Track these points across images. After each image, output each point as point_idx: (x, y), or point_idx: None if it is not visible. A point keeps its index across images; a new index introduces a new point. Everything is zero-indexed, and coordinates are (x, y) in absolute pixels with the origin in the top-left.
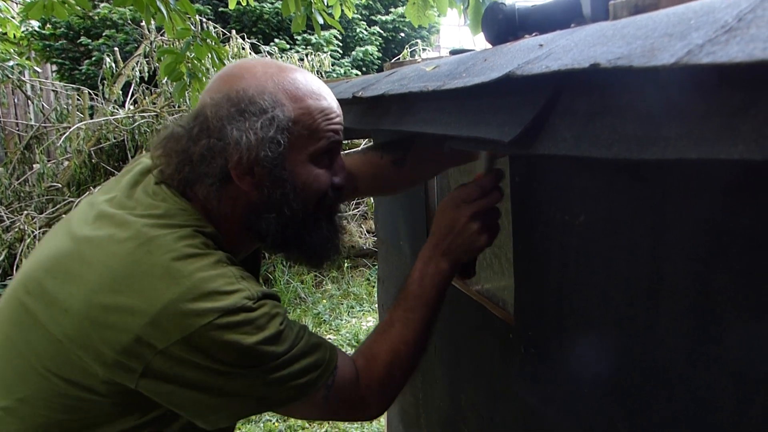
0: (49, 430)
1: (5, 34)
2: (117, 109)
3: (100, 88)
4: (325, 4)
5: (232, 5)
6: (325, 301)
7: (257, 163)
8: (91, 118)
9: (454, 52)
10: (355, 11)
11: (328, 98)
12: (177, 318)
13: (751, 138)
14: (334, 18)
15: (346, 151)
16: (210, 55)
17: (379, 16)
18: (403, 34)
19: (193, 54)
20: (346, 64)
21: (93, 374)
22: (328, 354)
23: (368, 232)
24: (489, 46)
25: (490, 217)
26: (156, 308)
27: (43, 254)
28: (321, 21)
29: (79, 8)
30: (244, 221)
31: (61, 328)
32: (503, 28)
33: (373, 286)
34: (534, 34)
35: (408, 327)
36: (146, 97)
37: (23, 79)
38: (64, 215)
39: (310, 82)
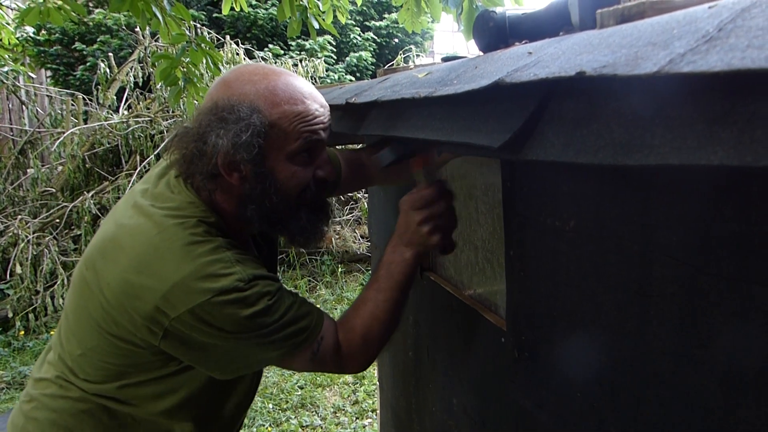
0: (111, 371)
1: (0, 40)
2: (111, 114)
3: (95, 93)
4: (320, 8)
5: (225, 10)
6: (319, 306)
7: (240, 162)
8: (86, 123)
9: (446, 59)
10: (349, 17)
11: (306, 101)
12: (183, 294)
13: (730, 144)
14: (328, 23)
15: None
16: (205, 60)
17: (372, 22)
18: (396, 40)
19: (188, 59)
20: (340, 69)
21: (131, 332)
22: (314, 321)
23: (362, 237)
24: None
25: (442, 220)
26: (167, 286)
27: (98, 236)
28: (317, 26)
29: (74, 14)
30: (236, 210)
31: (105, 297)
32: (494, 35)
33: None
34: (524, 41)
35: (378, 305)
36: (140, 102)
37: (18, 84)
38: (57, 220)
39: (290, 87)
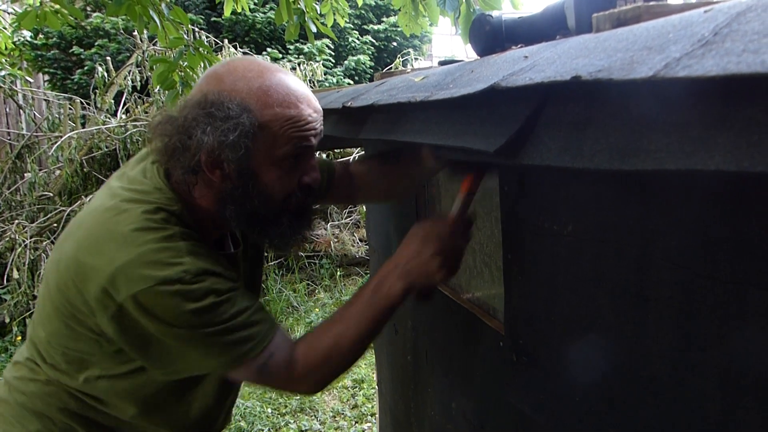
0: (72, 357)
1: None
2: (109, 118)
3: (92, 97)
4: (318, 12)
5: (227, 13)
6: (317, 309)
7: (224, 161)
8: (83, 128)
9: (443, 63)
10: (348, 21)
11: (300, 105)
12: (126, 279)
13: (726, 150)
14: (326, 26)
15: (340, 159)
16: (203, 64)
17: (371, 26)
18: (395, 44)
19: (185, 63)
20: (338, 73)
21: (85, 315)
22: (264, 333)
23: (360, 240)
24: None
25: (453, 258)
26: (112, 268)
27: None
28: (314, 29)
29: (71, 18)
30: (214, 206)
31: (61, 277)
32: (490, 39)
33: None
34: (520, 45)
35: (350, 329)
36: (138, 106)
37: (15, 88)
38: (55, 224)
39: (284, 89)
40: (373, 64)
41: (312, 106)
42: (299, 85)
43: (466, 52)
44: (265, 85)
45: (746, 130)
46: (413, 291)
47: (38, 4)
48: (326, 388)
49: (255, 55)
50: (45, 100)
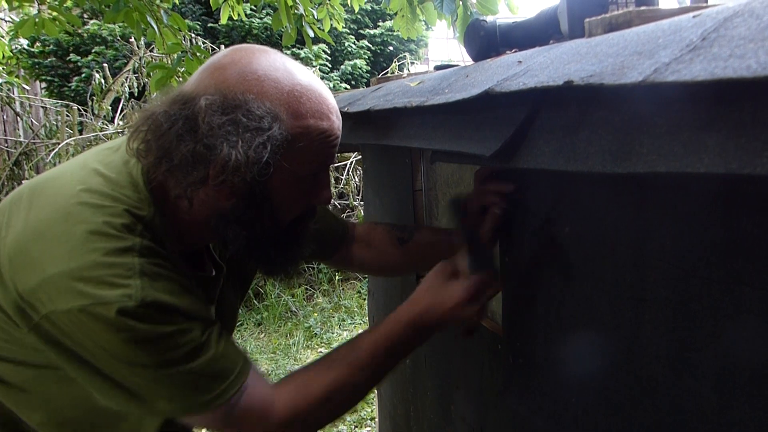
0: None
1: None
2: (106, 125)
3: (90, 104)
4: (315, 17)
5: (224, 19)
6: (316, 314)
7: (239, 180)
8: (81, 134)
9: (439, 68)
10: (344, 25)
11: (332, 117)
12: (59, 289)
13: (715, 152)
14: (323, 31)
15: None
16: None
17: (367, 30)
18: (391, 48)
19: (183, 68)
20: (335, 77)
21: (7, 303)
22: (228, 381)
23: None
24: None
25: (481, 308)
26: (48, 273)
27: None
28: (312, 34)
29: (69, 25)
30: (210, 223)
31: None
32: (485, 44)
33: (364, 299)
34: (514, 50)
35: (353, 377)
36: (135, 113)
37: (12, 96)
38: None
39: (317, 96)
40: (369, 68)
41: (339, 117)
42: (327, 90)
43: (463, 56)
44: (297, 90)
45: (734, 132)
46: (426, 339)
47: (36, 12)
48: None
49: (262, 46)
50: (42, 107)
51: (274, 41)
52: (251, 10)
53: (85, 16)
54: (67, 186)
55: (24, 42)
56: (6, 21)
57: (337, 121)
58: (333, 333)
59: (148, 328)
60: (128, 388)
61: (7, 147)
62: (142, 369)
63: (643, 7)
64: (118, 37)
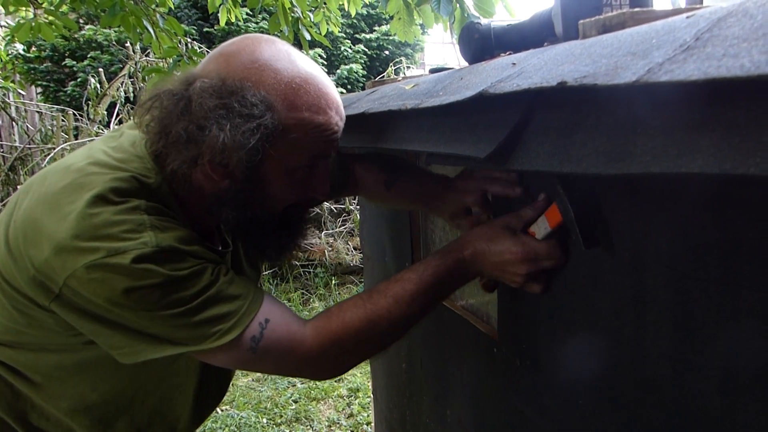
0: (9, 336)
1: None
2: (102, 130)
3: (85, 108)
4: (312, 20)
5: (222, 23)
6: None
7: (230, 162)
8: (76, 139)
9: (434, 71)
10: (340, 29)
11: (330, 112)
12: (73, 251)
13: (709, 152)
14: (320, 34)
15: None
16: None
17: (363, 35)
18: (387, 52)
19: (180, 72)
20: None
21: (26, 283)
22: (245, 307)
23: (355, 248)
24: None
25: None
26: (59, 239)
27: None
28: (309, 37)
29: (65, 29)
30: (207, 202)
31: (11, 235)
32: (479, 46)
33: None
34: (509, 52)
35: (394, 308)
36: (131, 117)
37: (7, 101)
38: None
39: (316, 90)
40: (365, 72)
41: (339, 113)
42: (329, 85)
43: (459, 60)
44: (295, 82)
45: (727, 132)
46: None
47: (32, 16)
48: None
49: (271, 37)
50: (38, 112)
51: None
52: (247, 14)
53: (81, 20)
54: (74, 164)
55: (20, 47)
56: (1, 26)
57: (336, 117)
58: None
59: (166, 272)
60: (150, 335)
61: (2, 152)
62: (162, 312)
63: (637, 9)
64: (114, 42)
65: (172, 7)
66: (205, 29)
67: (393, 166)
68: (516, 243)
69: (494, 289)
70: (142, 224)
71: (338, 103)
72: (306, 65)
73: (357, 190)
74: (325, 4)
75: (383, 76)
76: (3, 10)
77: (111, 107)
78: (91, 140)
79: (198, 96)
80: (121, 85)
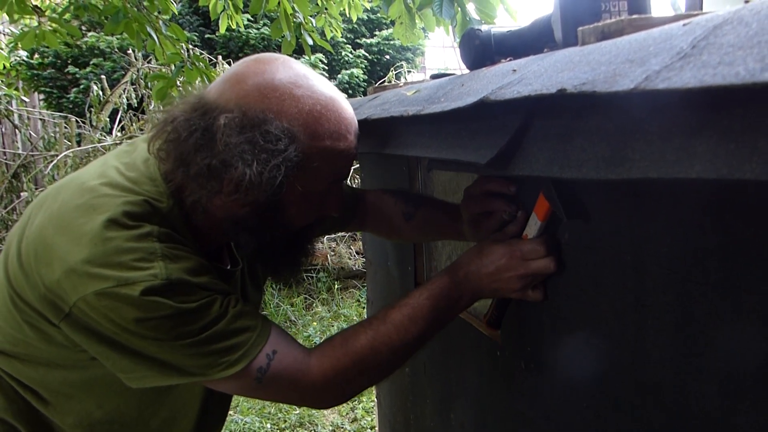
0: (18, 340)
1: None
2: (104, 136)
3: (88, 115)
4: (314, 25)
5: (222, 29)
6: (315, 323)
7: (251, 195)
8: (79, 146)
9: (435, 77)
10: (341, 34)
11: (349, 137)
12: (82, 277)
13: (706, 158)
14: (322, 39)
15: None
16: (201, 79)
17: (364, 39)
18: (388, 57)
19: (183, 78)
20: None
21: (35, 300)
22: (253, 339)
23: (357, 253)
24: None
25: (538, 282)
26: (71, 263)
27: None
28: (311, 42)
29: (69, 36)
30: (223, 226)
31: (20, 250)
32: (480, 52)
33: (363, 308)
34: (509, 58)
35: (395, 334)
36: (133, 124)
37: (10, 108)
38: None
39: (337, 116)
40: (366, 77)
41: (356, 134)
42: (346, 107)
43: (459, 65)
44: (317, 110)
45: (724, 138)
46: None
47: (36, 24)
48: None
49: (284, 57)
50: (41, 119)
51: (271, 51)
52: (248, 21)
53: (83, 27)
54: (88, 182)
55: (23, 54)
56: (5, 34)
57: (354, 140)
58: None
59: (174, 304)
60: (158, 363)
61: (5, 159)
62: (171, 342)
63: (635, 16)
64: (116, 49)
65: (176, 13)
66: (207, 36)
67: (409, 197)
68: (503, 247)
69: (499, 325)
70: (154, 253)
71: (355, 124)
72: (324, 88)
73: (365, 222)
74: (326, 9)
75: (384, 81)
76: (7, 18)
77: (113, 114)
78: (94, 147)
79: (222, 133)
80: (124, 92)
